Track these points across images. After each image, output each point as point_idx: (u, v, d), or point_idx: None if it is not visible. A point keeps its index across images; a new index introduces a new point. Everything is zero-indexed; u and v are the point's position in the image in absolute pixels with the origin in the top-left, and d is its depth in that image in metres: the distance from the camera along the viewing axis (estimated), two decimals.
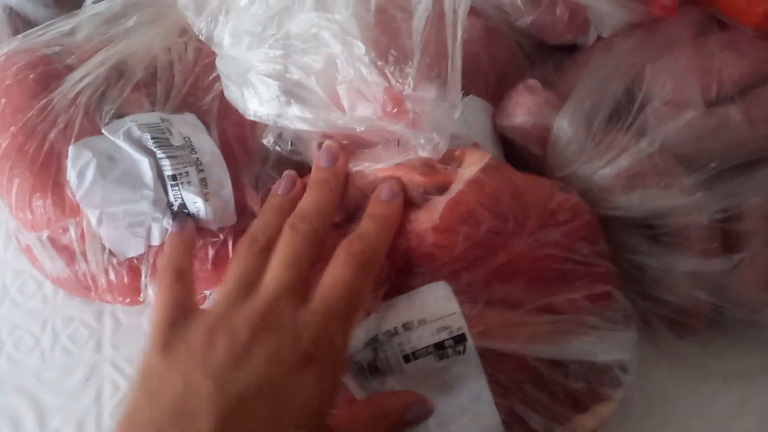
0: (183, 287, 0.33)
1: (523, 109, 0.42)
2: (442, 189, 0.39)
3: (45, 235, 0.36)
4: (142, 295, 0.39)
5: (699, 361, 0.41)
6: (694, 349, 0.41)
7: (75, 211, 0.36)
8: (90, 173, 0.34)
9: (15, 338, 0.44)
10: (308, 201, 0.36)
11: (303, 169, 0.39)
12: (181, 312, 0.31)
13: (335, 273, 0.32)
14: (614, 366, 0.37)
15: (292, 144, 0.38)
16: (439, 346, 0.36)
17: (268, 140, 0.37)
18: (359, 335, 0.36)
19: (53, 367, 0.43)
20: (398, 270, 0.37)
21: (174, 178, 0.35)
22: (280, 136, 0.38)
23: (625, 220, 0.40)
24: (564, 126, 0.41)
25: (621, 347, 0.37)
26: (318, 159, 0.37)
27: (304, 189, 0.37)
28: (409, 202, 0.38)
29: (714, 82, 0.40)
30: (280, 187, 0.37)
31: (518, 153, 0.43)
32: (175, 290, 0.33)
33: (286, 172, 0.38)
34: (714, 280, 0.39)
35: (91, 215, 0.35)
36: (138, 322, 0.44)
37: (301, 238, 0.33)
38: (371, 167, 0.38)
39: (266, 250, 0.33)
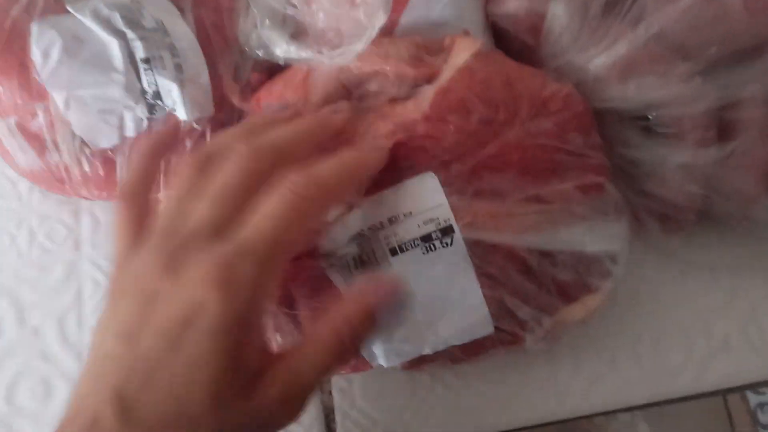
0: (137, 209, 0.30)
1: None
2: (431, 81, 0.37)
3: (13, 121, 0.35)
4: (118, 188, 0.38)
5: (687, 256, 0.41)
6: (682, 243, 0.41)
7: (42, 94, 0.34)
8: (55, 53, 0.32)
9: None
10: (276, 132, 0.32)
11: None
12: (131, 241, 0.29)
13: (267, 206, 0.28)
14: (604, 257, 0.37)
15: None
16: (426, 239, 0.35)
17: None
18: (342, 231, 0.35)
19: (31, 265, 0.42)
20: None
21: (147, 61, 0.33)
22: None
23: (618, 112, 0.39)
24: (559, 13, 0.39)
25: (611, 238, 0.37)
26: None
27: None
28: (396, 98, 0.37)
29: None
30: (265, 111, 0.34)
31: (510, 44, 0.42)
32: (127, 213, 0.30)
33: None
34: (707, 172, 0.38)
35: (57, 98, 0.33)
36: None
37: (238, 167, 0.29)
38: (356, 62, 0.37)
39: (205, 175, 0.29)
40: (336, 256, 0.35)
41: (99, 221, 0.43)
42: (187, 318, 0.25)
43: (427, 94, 0.35)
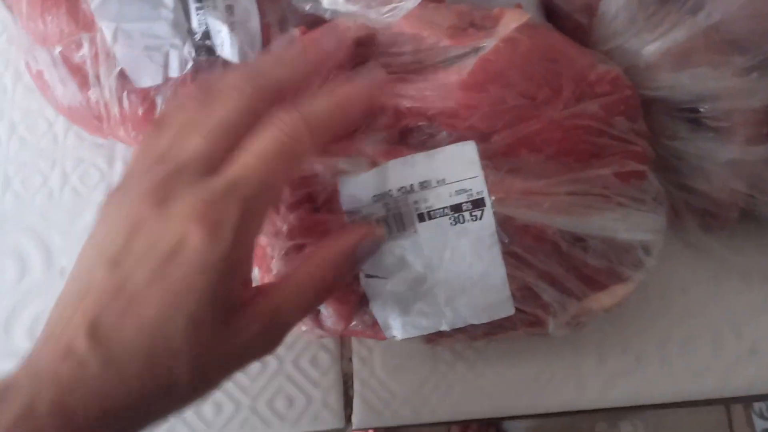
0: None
1: None
2: (477, 52, 0.36)
3: (57, 51, 0.35)
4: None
5: (723, 256, 0.40)
6: (720, 243, 0.40)
7: (89, 24, 0.34)
8: None
9: (22, 177, 0.43)
10: (281, 71, 0.31)
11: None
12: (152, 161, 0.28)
13: (256, 145, 0.28)
14: (637, 246, 0.36)
15: None
16: (456, 209, 0.35)
17: None
18: (365, 187, 0.35)
19: (61, 207, 0.42)
20: (407, 129, 0.36)
21: (199, 0, 0.33)
22: None
23: (668, 102, 0.38)
24: None
25: (646, 227, 0.36)
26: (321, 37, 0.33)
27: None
28: (432, 66, 0.36)
29: None
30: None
31: (563, 23, 0.41)
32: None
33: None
34: (754, 171, 0.37)
35: (106, 30, 0.33)
36: None
37: (234, 100, 0.29)
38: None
39: (206, 108, 0.29)
40: (360, 214, 0.35)
41: None
42: (171, 251, 0.25)
43: (469, 62, 0.34)
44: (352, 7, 0.31)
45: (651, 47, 0.37)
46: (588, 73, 0.36)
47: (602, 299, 0.37)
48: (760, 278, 0.40)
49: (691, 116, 0.38)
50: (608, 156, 0.36)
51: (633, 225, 0.36)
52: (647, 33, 0.37)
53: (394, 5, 0.32)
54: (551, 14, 0.41)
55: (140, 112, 0.37)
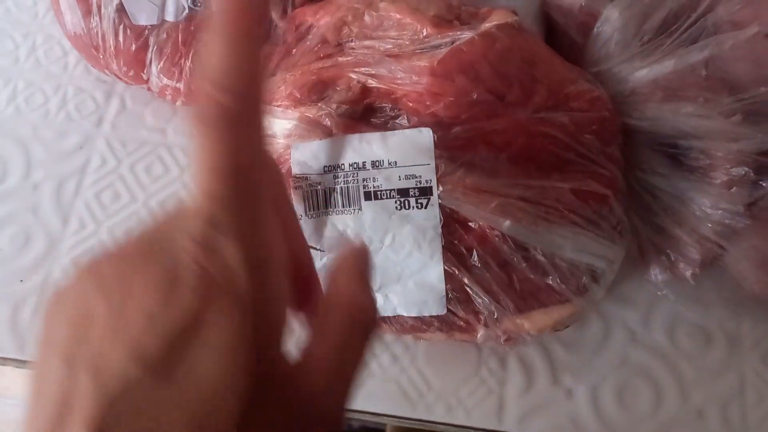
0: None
1: None
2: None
3: None
4: (145, 72, 0.39)
5: (684, 308, 0.37)
6: (680, 292, 0.37)
7: None
8: None
9: (28, 93, 0.46)
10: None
11: None
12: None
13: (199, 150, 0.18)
14: (584, 270, 0.34)
15: None
16: (403, 193, 0.34)
17: None
18: (316, 156, 0.34)
19: (53, 127, 0.44)
20: (371, 108, 0.35)
21: None
22: None
23: (649, 133, 0.36)
24: (614, 16, 0.37)
25: (595, 252, 0.34)
26: None
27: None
28: (410, 52, 0.36)
29: None
30: None
31: (560, 40, 0.40)
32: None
33: None
34: (729, 222, 0.35)
35: None
36: (142, 111, 0.45)
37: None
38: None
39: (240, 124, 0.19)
40: (308, 181, 0.35)
41: (126, 107, 0.45)
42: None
43: (443, 51, 0.34)
44: None
45: (640, 74, 0.36)
46: (567, 86, 0.35)
47: (538, 319, 0.35)
48: (719, 337, 0.37)
49: (671, 151, 0.36)
50: (571, 172, 0.35)
51: (581, 246, 0.34)
52: (639, 60, 0.36)
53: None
54: (551, 30, 0.40)
55: (133, 48, 0.39)
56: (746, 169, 0.34)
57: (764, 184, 0.34)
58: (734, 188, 0.34)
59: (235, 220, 0.19)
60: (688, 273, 0.36)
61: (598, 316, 0.38)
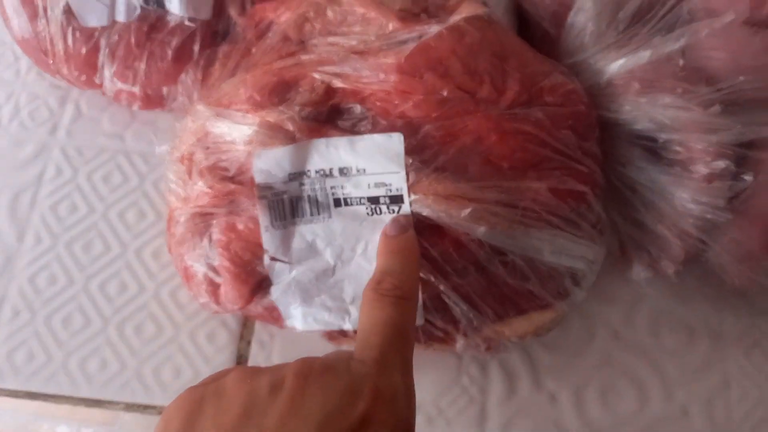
0: None
1: None
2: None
3: None
4: (98, 76, 0.37)
5: (666, 305, 0.36)
6: (663, 288, 0.36)
7: None
8: None
9: None
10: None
11: None
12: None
13: (374, 315, 0.28)
14: (564, 273, 0.33)
15: None
16: (374, 201, 0.33)
17: None
18: (280, 163, 0.33)
19: (6, 137, 0.42)
20: (337, 109, 0.34)
21: None
22: None
23: (627, 126, 0.35)
24: (587, 5, 0.35)
25: (576, 254, 0.33)
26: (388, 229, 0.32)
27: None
28: (376, 49, 0.34)
29: None
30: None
31: (532, 32, 0.38)
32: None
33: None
34: (709, 216, 0.34)
35: None
36: (98, 117, 0.42)
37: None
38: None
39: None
40: (272, 190, 0.33)
41: (81, 113, 0.42)
42: None
43: (410, 47, 0.33)
44: None
45: (616, 65, 0.35)
46: (540, 79, 0.34)
47: (519, 325, 0.34)
48: (702, 334, 0.36)
49: (649, 144, 0.35)
50: (547, 169, 0.33)
51: (561, 248, 0.33)
52: (614, 50, 0.35)
53: None
54: (523, 22, 0.39)
55: (83, 51, 0.36)
56: (727, 162, 0.32)
57: (745, 177, 0.32)
58: (715, 182, 0.33)
59: (400, 358, 0.27)
60: (671, 270, 0.35)
61: (580, 316, 0.37)
